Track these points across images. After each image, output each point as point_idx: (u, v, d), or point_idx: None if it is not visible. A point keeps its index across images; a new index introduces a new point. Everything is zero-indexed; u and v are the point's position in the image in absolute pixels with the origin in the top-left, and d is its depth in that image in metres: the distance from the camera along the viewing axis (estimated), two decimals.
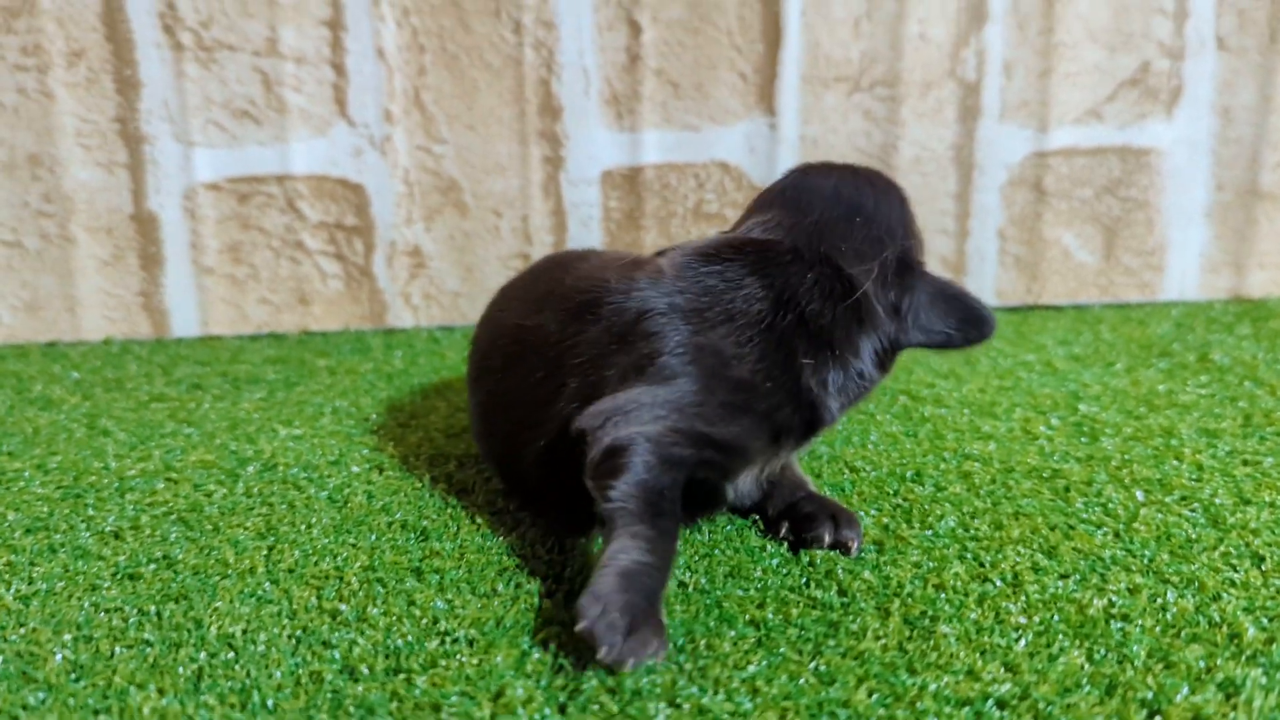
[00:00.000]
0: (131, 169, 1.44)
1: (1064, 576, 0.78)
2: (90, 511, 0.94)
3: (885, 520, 0.89)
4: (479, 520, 0.90)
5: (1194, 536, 0.83)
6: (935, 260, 1.52)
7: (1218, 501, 0.89)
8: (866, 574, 0.79)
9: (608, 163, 1.47)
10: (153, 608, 0.78)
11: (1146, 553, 0.81)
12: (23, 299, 1.47)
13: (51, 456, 1.07)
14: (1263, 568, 0.78)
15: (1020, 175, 1.49)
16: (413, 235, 1.48)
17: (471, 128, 1.45)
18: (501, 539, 0.87)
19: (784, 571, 0.81)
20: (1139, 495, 0.91)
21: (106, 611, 0.77)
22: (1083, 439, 1.05)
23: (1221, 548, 0.81)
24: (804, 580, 0.79)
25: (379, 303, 1.51)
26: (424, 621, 0.74)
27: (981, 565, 0.81)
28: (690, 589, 0.79)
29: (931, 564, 0.81)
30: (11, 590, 0.80)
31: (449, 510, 0.93)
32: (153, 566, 0.84)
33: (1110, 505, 0.90)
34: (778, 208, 0.89)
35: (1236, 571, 0.78)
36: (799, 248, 0.85)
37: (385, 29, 1.41)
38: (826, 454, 1.03)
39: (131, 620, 0.76)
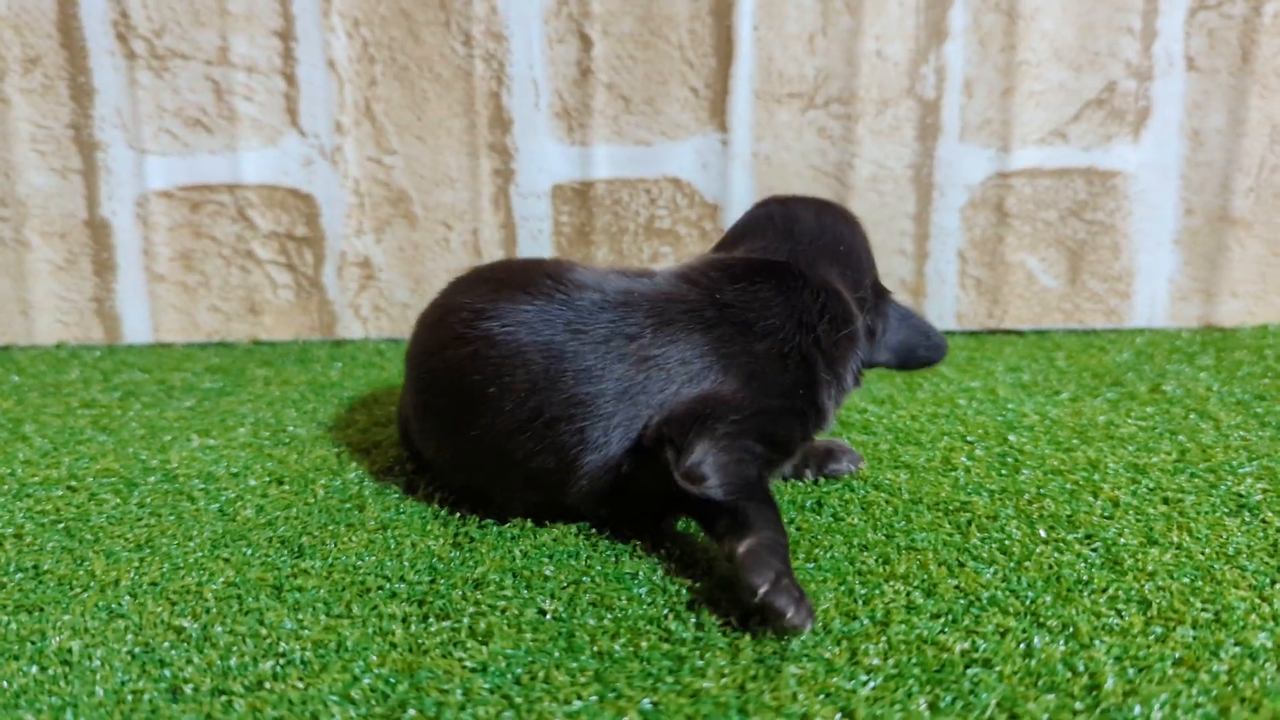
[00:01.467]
0: (85, 175, 1.45)
1: (936, 616, 0.75)
2: None
3: None
4: (356, 538, 0.89)
5: (1085, 578, 0.80)
6: (894, 282, 1.48)
7: (1122, 541, 0.85)
8: (728, 605, 0.76)
9: (558, 176, 1.45)
10: (5, 618, 0.77)
11: (1030, 594, 0.77)
12: None
13: None
14: (1148, 614, 0.74)
15: (981, 196, 1.46)
16: (363, 246, 1.47)
17: (421, 139, 1.44)
18: (375, 559, 0.85)
19: (648, 601, 0.78)
20: (1041, 532, 0.88)
21: None
22: (1002, 471, 1.01)
23: (1110, 591, 0.77)
24: (665, 611, 0.76)
25: (329, 314, 1.50)
26: (267, 641, 0.73)
27: (854, 601, 0.77)
28: (548, 616, 0.76)
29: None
30: None
31: (331, 527, 0.91)
32: (20, 576, 0.83)
33: (1008, 542, 0.86)
34: (770, 235, 0.98)
35: (1120, 617, 0.74)
36: (805, 274, 0.93)
37: (336, 40, 1.41)
38: None
39: None
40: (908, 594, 0.78)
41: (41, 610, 0.78)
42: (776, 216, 1.00)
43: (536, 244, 1.47)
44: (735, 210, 1.46)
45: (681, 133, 1.44)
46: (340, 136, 1.44)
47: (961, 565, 0.82)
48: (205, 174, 1.45)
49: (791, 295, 0.91)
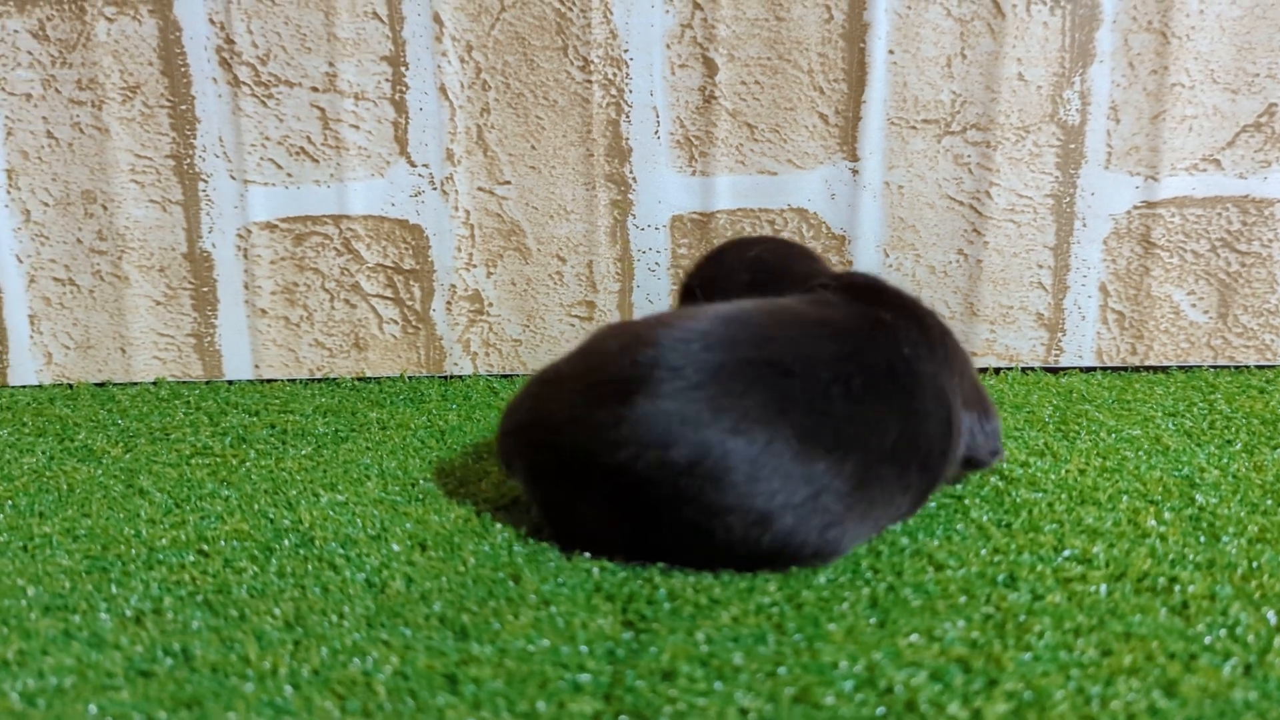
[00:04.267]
0: (185, 206, 1.40)
1: None
2: (114, 589, 0.88)
3: (974, 634, 0.79)
4: (523, 617, 0.82)
5: None
6: (1030, 316, 1.40)
7: None
8: (954, 707, 0.69)
9: (678, 207, 1.39)
10: (163, 714, 0.71)
11: None
12: (75, 338, 1.43)
13: (83, 519, 1.02)
14: None
15: (1127, 226, 1.38)
16: (473, 280, 1.41)
17: (535, 169, 1.38)
18: (547, 642, 0.79)
19: (859, 699, 0.71)
20: (1270, 617, 0.80)
21: (113, 717, 0.71)
22: (1200, 538, 0.93)
23: None
24: (880, 710, 0.70)
25: (437, 349, 1.44)
26: None
27: (1088, 701, 0.70)
28: (751, 715, 0.70)
29: (1030, 695, 0.71)
30: (18, 686, 0.74)
31: (492, 603, 0.85)
32: (169, 662, 0.77)
33: (1238, 629, 0.78)
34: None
35: None
36: None
37: (448, 66, 1.35)
38: (909, 547, 0.93)
39: None
40: (1147, 693, 0.71)
41: (201, 705, 0.72)
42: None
43: (654, 277, 1.40)
44: (863, 241, 1.39)
45: (809, 161, 1.37)
46: (451, 166, 1.38)
47: (1194, 658, 0.75)
48: (310, 205, 1.39)
49: None
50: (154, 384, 1.46)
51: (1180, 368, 1.43)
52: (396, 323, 1.43)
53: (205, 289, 1.42)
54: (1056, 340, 1.41)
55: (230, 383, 1.46)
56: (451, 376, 1.45)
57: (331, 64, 1.35)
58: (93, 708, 0.72)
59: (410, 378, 1.46)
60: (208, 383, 1.45)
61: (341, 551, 0.95)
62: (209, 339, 1.44)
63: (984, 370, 1.44)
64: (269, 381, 1.46)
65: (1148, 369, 1.42)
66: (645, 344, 0.88)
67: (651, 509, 0.86)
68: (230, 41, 1.35)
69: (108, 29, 1.35)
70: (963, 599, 0.84)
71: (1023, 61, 1.33)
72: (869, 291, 0.96)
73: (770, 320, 0.90)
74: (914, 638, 0.79)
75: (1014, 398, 1.32)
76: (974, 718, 0.68)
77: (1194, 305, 1.39)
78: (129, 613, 0.85)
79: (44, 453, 1.20)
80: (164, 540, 0.97)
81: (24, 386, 1.45)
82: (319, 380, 1.46)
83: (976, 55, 1.33)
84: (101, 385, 1.46)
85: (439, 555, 0.94)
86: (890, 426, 0.87)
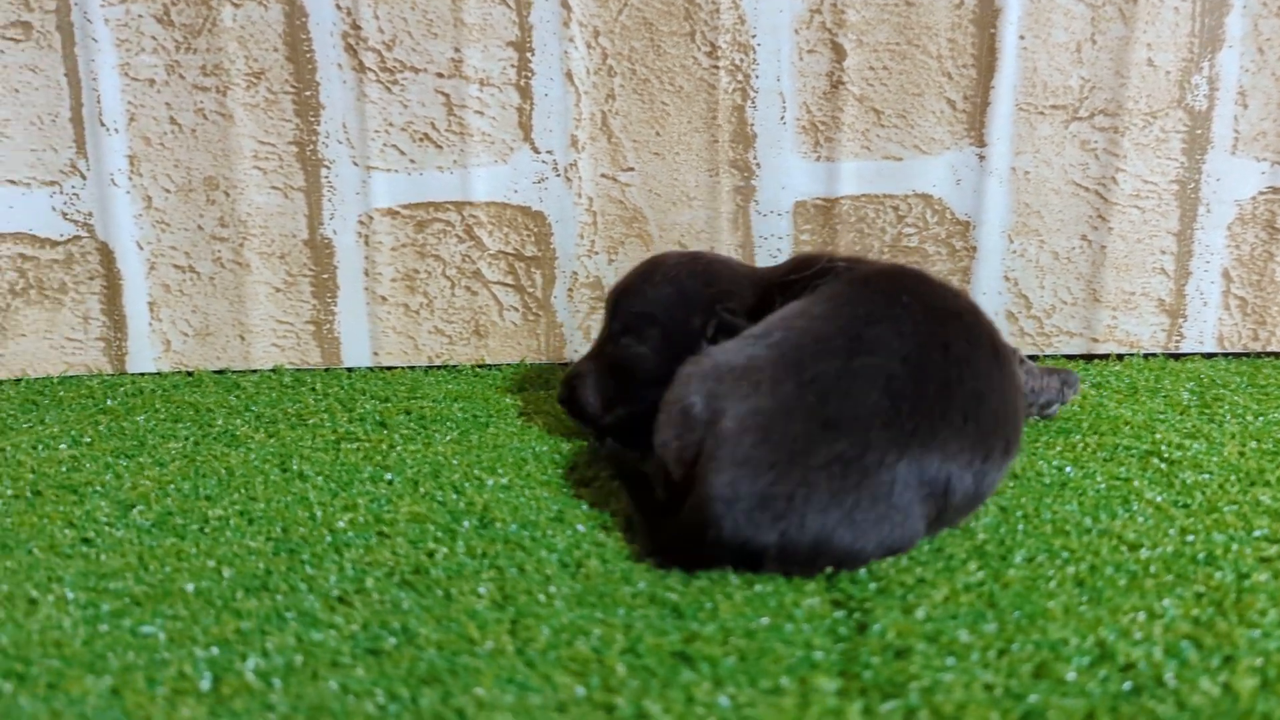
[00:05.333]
0: (307, 193, 1.39)
1: None
2: (309, 570, 0.88)
3: (1193, 611, 0.79)
4: (735, 597, 0.82)
5: None
6: (1151, 302, 1.41)
7: None
8: (1205, 683, 0.69)
9: (801, 193, 1.39)
10: (405, 692, 0.71)
11: None
12: (194, 325, 1.43)
13: (252, 503, 1.02)
14: None
15: (1252, 212, 1.38)
16: (594, 267, 1.41)
17: (659, 155, 1.38)
18: (768, 620, 0.79)
19: (1101, 675, 0.71)
20: None
21: (356, 695, 0.71)
22: None
23: None
24: (1127, 686, 0.70)
25: (557, 336, 1.44)
26: None
27: None
28: (996, 691, 0.70)
29: (1274, 671, 0.71)
30: (250, 664, 0.74)
31: (696, 583, 0.85)
32: (393, 640, 0.77)
33: None
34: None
35: None
36: None
37: (574, 51, 1.35)
38: (1094, 528, 0.94)
39: (390, 708, 0.69)
40: None
41: (440, 682, 0.72)
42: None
43: (774, 264, 1.40)
44: (988, 227, 1.39)
45: (935, 147, 1.37)
46: (575, 152, 1.38)
47: None
48: (432, 191, 1.39)
49: None
50: (273, 371, 1.45)
51: None
52: (517, 310, 1.43)
53: (325, 276, 1.42)
54: (1177, 326, 1.42)
55: (350, 370, 1.45)
56: (572, 363, 1.45)
57: (457, 49, 1.35)
58: (333, 684, 0.72)
59: (531, 364, 1.46)
60: (326, 370, 1.45)
61: (525, 533, 0.94)
62: (328, 326, 1.44)
63: (1105, 356, 1.44)
64: (388, 369, 1.46)
65: (1271, 354, 1.43)
66: None
67: None
68: (356, 27, 1.34)
69: (233, 14, 1.34)
70: (1169, 578, 0.84)
71: (1152, 47, 1.33)
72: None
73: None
74: (1137, 615, 0.79)
75: (1145, 382, 1.32)
76: (1226, 692, 0.68)
77: None
78: (334, 593, 0.84)
79: (188, 438, 1.19)
80: (341, 523, 0.97)
81: (142, 374, 1.45)
82: (438, 367, 1.46)
83: (1107, 40, 1.33)
84: (220, 372, 1.45)
85: (625, 537, 0.94)
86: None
